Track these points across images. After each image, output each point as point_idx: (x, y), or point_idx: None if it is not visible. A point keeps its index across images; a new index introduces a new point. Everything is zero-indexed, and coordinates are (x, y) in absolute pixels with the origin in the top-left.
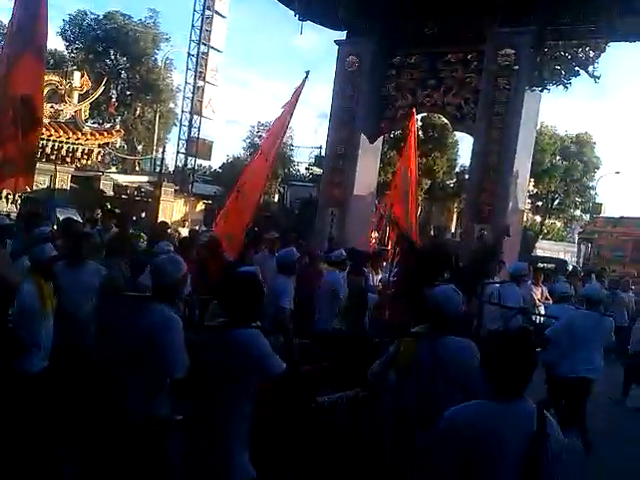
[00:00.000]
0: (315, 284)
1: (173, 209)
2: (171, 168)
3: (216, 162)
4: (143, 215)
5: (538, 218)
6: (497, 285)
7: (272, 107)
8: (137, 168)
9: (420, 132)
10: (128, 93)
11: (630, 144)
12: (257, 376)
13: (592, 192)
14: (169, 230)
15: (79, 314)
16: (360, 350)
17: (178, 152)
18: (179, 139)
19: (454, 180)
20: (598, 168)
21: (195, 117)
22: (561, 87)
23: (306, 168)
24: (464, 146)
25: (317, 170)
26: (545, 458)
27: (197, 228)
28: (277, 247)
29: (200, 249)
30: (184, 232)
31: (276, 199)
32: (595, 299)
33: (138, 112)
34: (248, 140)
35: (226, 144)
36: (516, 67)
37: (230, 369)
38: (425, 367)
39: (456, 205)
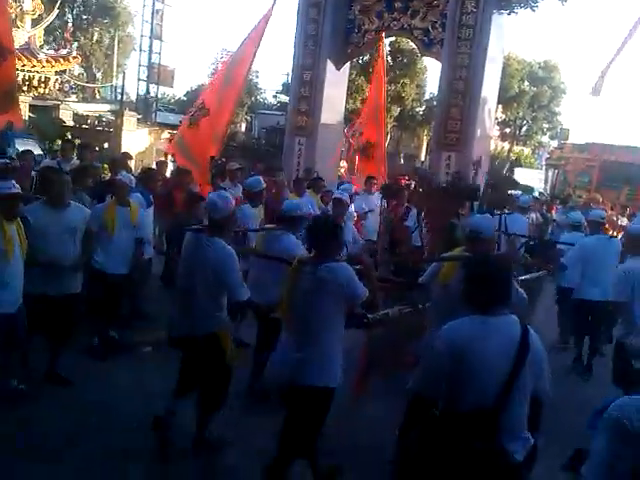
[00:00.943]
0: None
1: (136, 139)
2: (133, 96)
3: (180, 90)
4: (106, 145)
5: (506, 145)
6: (503, 215)
7: (238, 33)
8: (97, 96)
9: (388, 58)
10: (84, 17)
11: (595, 69)
12: (346, 300)
13: (559, 118)
14: (131, 161)
15: (61, 259)
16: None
17: (139, 79)
18: (139, 65)
19: (423, 107)
20: (565, 93)
21: (155, 42)
22: (529, 10)
23: (274, 96)
24: (433, 72)
25: (285, 98)
26: (527, 364)
27: (163, 159)
28: (238, 177)
29: (167, 180)
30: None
31: (243, 128)
32: (599, 222)
33: (96, 37)
34: (213, 67)
35: (190, 70)
36: None
37: (324, 296)
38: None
39: (426, 132)
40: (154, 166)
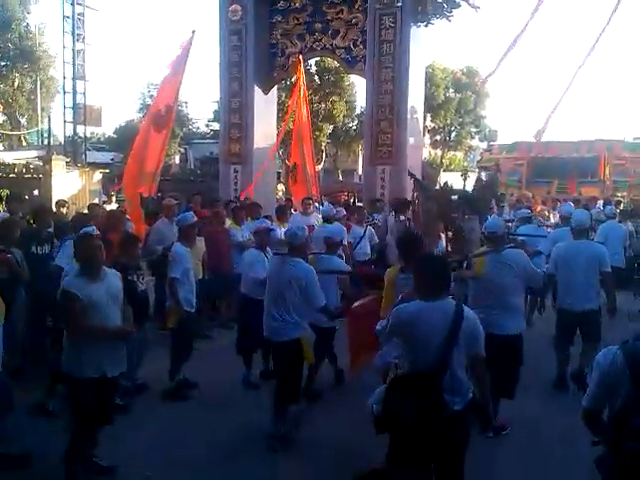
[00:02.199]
0: (222, 241)
1: (67, 182)
2: (61, 139)
3: (109, 128)
4: (36, 193)
5: (439, 152)
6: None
7: (163, 65)
8: (24, 143)
9: (316, 77)
10: (3, 64)
11: (514, 71)
12: None
13: (485, 121)
14: (65, 209)
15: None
16: None
17: (65, 121)
18: (64, 107)
19: (355, 122)
20: (489, 96)
21: (79, 82)
22: (444, 20)
23: (206, 124)
24: (361, 87)
25: (217, 126)
26: (461, 333)
27: (97, 200)
28: (176, 213)
29: (100, 222)
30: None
31: (177, 160)
32: (567, 216)
33: (17, 83)
34: (140, 101)
35: (117, 108)
36: (399, 4)
37: None
38: (494, 270)
39: (360, 147)
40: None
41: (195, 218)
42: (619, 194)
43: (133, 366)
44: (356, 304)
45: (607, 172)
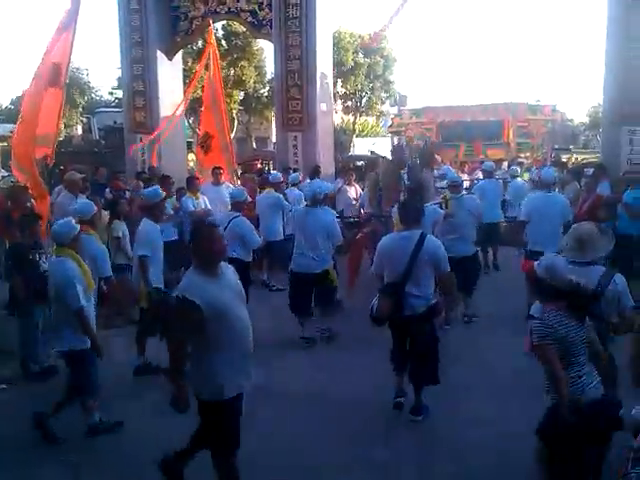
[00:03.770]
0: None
1: None
2: None
3: (4, 99)
4: None
5: (351, 117)
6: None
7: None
8: None
9: (223, 41)
10: None
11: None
12: None
13: (394, 86)
14: None
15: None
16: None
17: None
18: None
19: (267, 88)
20: (396, 61)
21: None
22: None
23: (109, 92)
24: (270, 52)
25: (121, 94)
26: (423, 254)
27: None
28: (81, 187)
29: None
30: None
31: (80, 131)
32: (490, 171)
33: None
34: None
35: (13, 78)
36: None
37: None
38: (458, 210)
39: (273, 114)
40: None
41: (164, 194)
42: (522, 155)
43: (39, 349)
44: (357, 237)
45: (511, 134)
